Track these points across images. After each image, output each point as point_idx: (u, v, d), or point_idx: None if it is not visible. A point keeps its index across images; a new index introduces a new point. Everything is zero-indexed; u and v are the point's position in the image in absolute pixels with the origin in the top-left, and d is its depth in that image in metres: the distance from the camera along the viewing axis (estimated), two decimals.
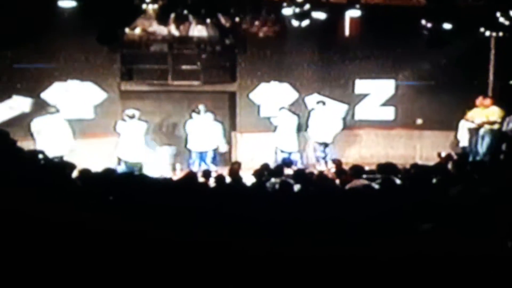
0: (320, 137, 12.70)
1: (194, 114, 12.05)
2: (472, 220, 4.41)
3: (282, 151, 12.44)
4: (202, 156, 12.04)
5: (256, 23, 12.31)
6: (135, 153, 11.31)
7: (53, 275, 3.13)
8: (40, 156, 8.37)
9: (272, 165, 10.46)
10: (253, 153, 12.41)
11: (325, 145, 12.71)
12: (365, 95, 13.41)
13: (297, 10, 11.41)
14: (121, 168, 10.93)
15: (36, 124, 10.88)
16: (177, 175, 10.96)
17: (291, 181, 7.82)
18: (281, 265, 3.24)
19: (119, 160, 11.36)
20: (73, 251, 3.25)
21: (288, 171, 9.77)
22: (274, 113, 12.73)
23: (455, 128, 12.75)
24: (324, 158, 12.58)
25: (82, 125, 11.58)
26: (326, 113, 12.73)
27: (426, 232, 3.80)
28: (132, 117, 11.37)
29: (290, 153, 12.35)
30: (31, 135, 10.81)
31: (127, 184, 6.37)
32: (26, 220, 3.49)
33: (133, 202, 4.97)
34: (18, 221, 3.47)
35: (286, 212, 5.03)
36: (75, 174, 7.36)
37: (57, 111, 11.15)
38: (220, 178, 8.80)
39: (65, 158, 10.12)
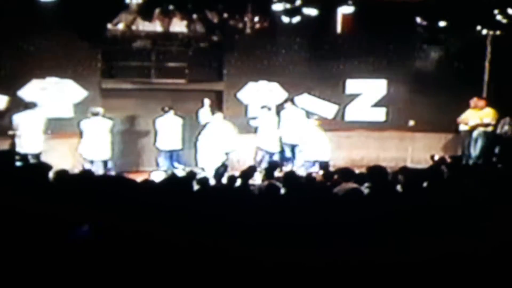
0: (288, 138, 12.28)
1: (163, 112, 11.74)
2: (466, 222, 4.26)
3: (266, 152, 12.11)
4: (171, 156, 11.82)
5: (245, 19, 11.94)
6: (98, 151, 11.04)
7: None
8: (16, 157, 8.21)
9: (254, 164, 10.14)
10: (240, 155, 12.00)
11: (293, 146, 12.30)
12: (356, 95, 13.07)
13: (288, 6, 11.22)
14: (94, 168, 10.63)
15: (16, 120, 10.64)
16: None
17: (279, 184, 7.49)
18: (265, 269, 3.18)
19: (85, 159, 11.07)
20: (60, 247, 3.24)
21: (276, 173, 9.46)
22: (254, 113, 12.37)
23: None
24: (291, 160, 12.23)
25: (61, 124, 11.22)
26: (295, 113, 12.35)
27: None
28: (96, 114, 11.06)
29: (271, 154, 11.99)
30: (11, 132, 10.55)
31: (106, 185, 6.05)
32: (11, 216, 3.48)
33: (114, 203, 4.68)
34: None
35: (271, 215, 4.80)
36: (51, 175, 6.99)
37: (36, 106, 10.86)
38: (204, 180, 8.46)
39: (43, 157, 9.85)
